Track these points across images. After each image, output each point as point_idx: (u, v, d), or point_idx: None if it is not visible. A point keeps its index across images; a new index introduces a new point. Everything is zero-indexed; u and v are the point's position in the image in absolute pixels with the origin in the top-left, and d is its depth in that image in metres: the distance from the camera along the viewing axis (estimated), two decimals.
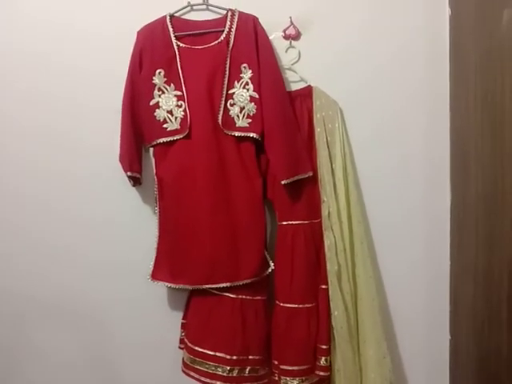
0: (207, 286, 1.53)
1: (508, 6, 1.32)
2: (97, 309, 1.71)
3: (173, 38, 1.55)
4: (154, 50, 1.55)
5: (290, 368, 1.52)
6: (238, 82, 1.55)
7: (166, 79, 1.55)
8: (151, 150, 1.60)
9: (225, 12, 1.58)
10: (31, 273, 1.71)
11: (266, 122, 1.53)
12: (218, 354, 1.52)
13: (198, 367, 1.54)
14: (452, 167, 1.65)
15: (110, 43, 1.63)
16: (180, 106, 1.54)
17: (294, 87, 1.63)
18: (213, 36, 1.56)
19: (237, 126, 1.54)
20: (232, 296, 1.54)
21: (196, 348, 1.54)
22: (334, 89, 1.61)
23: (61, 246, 1.70)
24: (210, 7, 1.61)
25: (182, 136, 1.53)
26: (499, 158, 1.38)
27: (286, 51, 1.63)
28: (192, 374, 1.55)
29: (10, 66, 1.67)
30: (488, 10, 1.41)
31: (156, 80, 1.55)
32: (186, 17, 1.62)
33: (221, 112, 1.52)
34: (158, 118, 1.55)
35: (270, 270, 1.56)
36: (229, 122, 1.53)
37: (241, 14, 1.56)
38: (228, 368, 1.51)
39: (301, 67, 1.63)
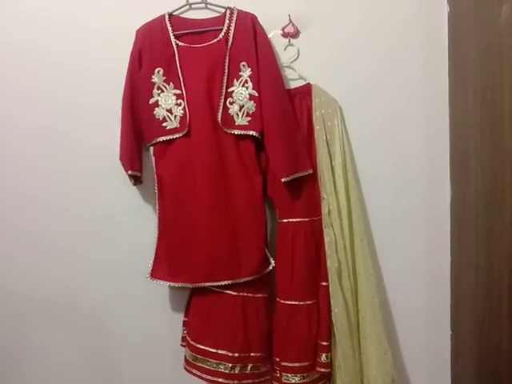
0: (208, 283, 1.53)
1: (506, 3, 1.32)
2: (97, 308, 1.72)
3: (172, 37, 1.55)
4: (153, 49, 1.55)
5: (291, 365, 1.52)
6: (237, 80, 1.55)
7: (165, 78, 1.55)
8: (151, 148, 1.60)
9: (223, 10, 1.58)
10: (31, 272, 1.71)
11: (266, 119, 1.53)
12: (219, 351, 1.53)
13: (200, 364, 1.54)
14: (452, 164, 1.65)
15: (109, 43, 1.63)
16: (179, 105, 1.54)
17: (293, 85, 1.63)
18: (212, 34, 1.56)
19: (236, 124, 1.54)
20: (233, 293, 1.54)
21: (198, 345, 1.55)
22: (333, 86, 1.61)
23: (61, 246, 1.70)
24: (208, 6, 1.61)
25: (181, 134, 1.53)
26: (499, 155, 1.38)
27: (285, 49, 1.63)
28: (194, 371, 1.56)
29: (10, 66, 1.67)
30: (487, 7, 1.41)
31: (155, 79, 1.54)
32: (185, 15, 1.62)
33: (220, 110, 1.52)
34: (157, 117, 1.55)
35: (270, 268, 1.56)
36: (228, 120, 1.53)
37: (239, 12, 1.56)
38: (230, 365, 1.52)
39: (300, 65, 1.63)
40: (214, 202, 1.52)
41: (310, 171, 1.54)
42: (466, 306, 1.59)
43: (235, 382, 1.52)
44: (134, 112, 1.57)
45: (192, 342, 1.56)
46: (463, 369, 1.64)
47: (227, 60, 1.54)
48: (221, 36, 1.55)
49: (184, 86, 1.53)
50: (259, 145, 1.57)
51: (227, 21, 1.56)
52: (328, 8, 1.63)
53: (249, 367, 1.54)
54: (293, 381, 1.52)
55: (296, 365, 1.52)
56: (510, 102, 1.32)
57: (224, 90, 1.53)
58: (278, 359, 1.56)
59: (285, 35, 1.63)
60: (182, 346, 1.65)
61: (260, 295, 1.57)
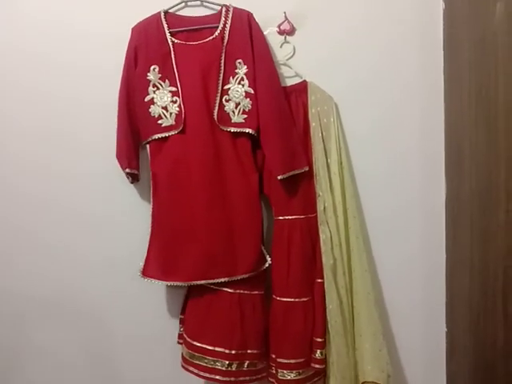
0: (204, 281, 1.52)
1: (501, 0, 1.31)
2: (96, 306, 1.72)
3: (167, 34, 1.55)
4: (149, 47, 1.55)
5: (286, 361, 1.53)
6: (233, 77, 1.55)
7: (160, 75, 1.54)
8: (147, 146, 1.60)
9: (219, 8, 1.58)
10: (30, 271, 1.71)
11: (262, 117, 1.53)
12: (216, 348, 1.53)
13: (198, 362, 1.55)
14: (447, 162, 1.65)
15: (108, 41, 1.62)
16: (175, 102, 1.54)
17: (289, 82, 1.63)
18: (207, 32, 1.56)
19: (232, 121, 1.54)
20: (230, 291, 1.55)
21: (195, 343, 1.55)
22: (329, 84, 1.61)
23: (60, 245, 1.71)
24: (204, 3, 1.61)
25: (176, 131, 1.52)
26: (493, 152, 1.38)
27: (281, 46, 1.63)
28: (191, 368, 1.56)
29: (9, 66, 1.67)
30: (481, 4, 1.40)
31: (151, 76, 1.54)
32: (181, 13, 1.62)
33: (216, 108, 1.52)
34: (152, 115, 1.55)
35: (267, 265, 1.56)
36: (224, 117, 1.53)
37: (235, 9, 1.56)
38: (227, 362, 1.52)
39: (296, 62, 1.63)
40: (209, 199, 1.52)
41: (306, 168, 1.54)
42: (461, 304, 1.59)
43: (232, 379, 1.53)
44: (130, 110, 1.57)
45: (189, 340, 1.57)
46: (458, 366, 1.64)
47: (223, 57, 1.54)
48: (217, 33, 1.55)
49: (180, 83, 1.53)
50: (255, 142, 1.57)
51: (223, 18, 1.56)
52: (323, 5, 1.63)
53: (246, 364, 1.54)
54: (288, 377, 1.52)
55: (292, 361, 1.52)
56: (505, 100, 1.32)
57: (220, 88, 1.53)
58: (274, 356, 1.56)
59: (281, 32, 1.63)
60: (179, 343, 1.65)
61: (256, 292, 1.57)
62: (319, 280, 1.54)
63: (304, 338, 1.54)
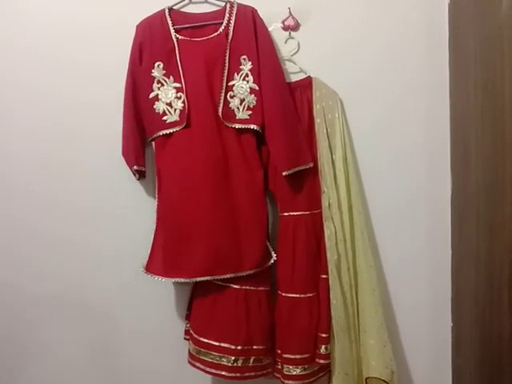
0: (210, 277, 1.52)
1: None
2: (102, 302, 1.72)
3: (172, 31, 1.55)
4: (153, 43, 1.55)
5: (292, 356, 1.53)
6: (237, 73, 1.55)
7: (164, 72, 1.54)
8: (152, 143, 1.60)
9: (223, 4, 1.58)
10: (35, 268, 1.71)
11: (266, 113, 1.53)
12: (222, 344, 1.53)
13: (204, 358, 1.55)
14: (452, 157, 1.65)
15: (111, 39, 1.63)
16: (179, 98, 1.53)
17: (294, 78, 1.63)
18: (212, 28, 1.56)
19: (237, 118, 1.54)
20: (236, 287, 1.54)
21: (201, 339, 1.55)
22: (334, 79, 1.61)
23: (65, 241, 1.71)
24: (208, 0, 1.61)
25: (181, 127, 1.52)
26: (500, 146, 1.38)
27: (286, 42, 1.63)
28: (198, 364, 1.56)
29: (11, 64, 1.67)
30: None
31: (155, 73, 1.54)
32: (185, 10, 1.62)
33: (221, 104, 1.52)
34: (157, 111, 1.55)
35: (272, 261, 1.56)
36: (229, 114, 1.53)
37: (239, 5, 1.56)
38: (233, 358, 1.52)
39: (300, 58, 1.63)
40: (215, 195, 1.52)
41: (311, 165, 1.54)
42: (467, 298, 1.59)
43: (238, 374, 1.53)
44: (136, 107, 1.57)
45: (195, 336, 1.57)
46: (464, 361, 1.64)
47: (228, 54, 1.54)
48: (221, 30, 1.55)
49: (184, 79, 1.53)
50: (260, 138, 1.57)
51: (227, 14, 1.56)
52: (328, 1, 1.63)
53: (251, 360, 1.54)
54: (294, 372, 1.53)
55: (297, 357, 1.53)
56: (511, 94, 1.32)
57: (225, 84, 1.53)
58: (279, 351, 1.57)
59: (285, 28, 1.63)
60: (186, 339, 1.65)
61: (262, 288, 1.57)
62: (324, 276, 1.55)
63: (309, 334, 1.54)
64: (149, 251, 1.57)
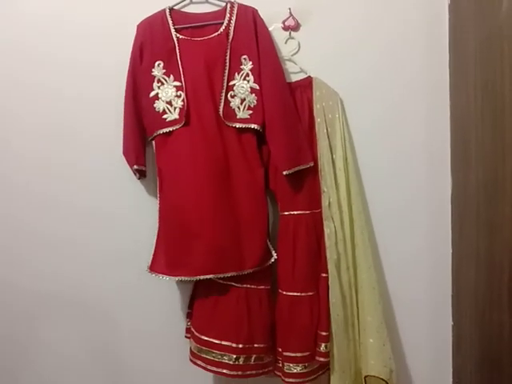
0: (212, 275, 1.52)
1: None
2: (103, 301, 1.73)
3: (172, 31, 1.55)
4: (154, 43, 1.55)
5: (293, 355, 1.53)
6: (238, 73, 1.55)
7: (165, 71, 1.55)
8: (153, 142, 1.60)
9: (224, 4, 1.58)
10: (37, 268, 1.72)
11: (267, 112, 1.53)
12: (223, 342, 1.54)
13: (205, 356, 1.55)
14: (452, 156, 1.65)
15: (111, 38, 1.63)
16: (179, 97, 1.54)
17: (294, 78, 1.63)
18: (212, 28, 1.57)
19: (238, 117, 1.54)
20: (237, 285, 1.55)
21: (202, 337, 1.56)
22: (334, 79, 1.61)
23: (66, 241, 1.71)
24: (209, 0, 1.61)
25: (180, 125, 1.52)
26: (500, 146, 1.38)
27: (286, 42, 1.64)
28: (199, 362, 1.57)
29: (11, 63, 1.67)
30: (487, 0, 1.41)
31: (155, 72, 1.55)
32: (186, 9, 1.62)
33: (221, 104, 1.53)
34: (157, 110, 1.55)
35: (272, 260, 1.57)
36: (230, 113, 1.54)
37: (240, 5, 1.56)
38: (234, 356, 1.53)
39: (300, 58, 1.63)
40: (216, 194, 1.52)
41: (312, 164, 1.55)
42: (467, 297, 1.60)
43: (239, 372, 1.53)
44: (137, 106, 1.57)
45: (197, 334, 1.58)
46: (464, 359, 1.65)
47: (228, 53, 1.54)
48: (222, 30, 1.55)
49: (184, 78, 1.53)
50: (261, 138, 1.57)
51: (228, 14, 1.56)
52: (328, 1, 1.63)
53: (253, 358, 1.55)
54: (295, 370, 1.53)
55: (298, 355, 1.53)
56: (511, 94, 1.32)
57: (225, 84, 1.54)
58: (280, 349, 1.57)
59: (285, 28, 1.63)
60: (187, 337, 1.66)
61: (263, 287, 1.57)
62: (324, 274, 1.55)
63: (310, 332, 1.55)
64: (152, 250, 1.58)
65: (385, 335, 1.56)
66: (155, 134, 1.56)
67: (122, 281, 1.71)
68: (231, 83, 1.55)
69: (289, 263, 1.55)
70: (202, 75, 1.53)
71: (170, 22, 1.56)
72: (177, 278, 1.56)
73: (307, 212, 1.56)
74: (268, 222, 1.59)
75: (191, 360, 1.60)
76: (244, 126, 1.54)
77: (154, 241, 1.58)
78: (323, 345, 1.54)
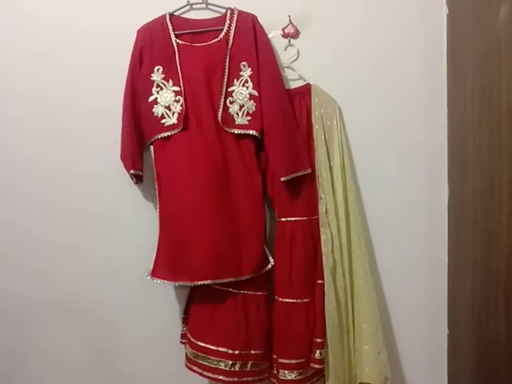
0: (210, 281, 1.51)
1: (504, 3, 1.32)
2: (100, 307, 1.73)
3: (172, 36, 1.56)
4: (154, 48, 1.56)
5: (287, 361, 1.53)
6: (237, 79, 1.56)
7: (164, 75, 1.55)
8: (151, 147, 1.60)
9: (224, 11, 1.59)
10: (35, 273, 1.72)
11: (265, 119, 1.54)
12: (220, 348, 1.53)
13: (201, 362, 1.55)
14: (450, 163, 1.66)
15: (110, 43, 1.64)
16: (178, 101, 1.54)
17: (293, 85, 1.64)
18: (212, 34, 1.58)
19: (236, 123, 1.55)
20: (234, 291, 1.55)
21: (198, 343, 1.56)
22: (333, 87, 1.62)
23: (64, 246, 1.71)
24: (209, 6, 1.62)
25: (179, 130, 1.53)
26: (497, 154, 1.39)
27: (285, 49, 1.65)
28: (195, 368, 1.56)
29: (10, 67, 1.67)
30: (485, 7, 1.42)
31: (154, 77, 1.55)
32: (186, 16, 1.63)
33: (220, 109, 1.53)
34: (155, 114, 1.55)
35: (269, 266, 1.57)
36: (228, 119, 1.54)
37: (240, 12, 1.57)
38: (230, 362, 1.52)
39: (299, 65, 1.64)
40: (214, 200, 1.52)
41: (309, 170, 1.55)
42: (464, 305, 1.60)
43: (235, 379, 1.53)
44: (135, 111, 1.58)
45: (193, 340, 1.57)
46: (459, 367, 1.65)
47: (228, 60, 1.55)
48: (221, 36, 1.56)
49: (183, 83, 1.54)
50: (259, 144, 1.57)
51: (228, 21, 1.57)
52: (328, 9, 1.64)
53: (249, 365, 1.54)
54: (289, 377, 1.53)
55: (293, 361, 1.53)
56: (508, 102, 1.33)
57: (224, 90, 1.54)
58: (275, 356, 1.57)
59: (285, 36, 1.64)
60: (182, 343, 1.66)
61: (260, 293, 1.57)
62: (320, 281, 1.55)
63: (305, 339, 1.55)
64: (154, 256, 1.57)
65: (380, 342, 1.56)
66: (153, 139, 1.57)
67: (121, 287, 1.71)
68: (230, 89, 1.55)
69: (285, 269, 1.55)
70: (201, 81, 1.54)
71: (170, 27, 1.57)
72: (178, 283, 1.56)
73: (304, 218, 1.56)
74: (265, 228, 1.59)
75: (187, 366, 1.60)
76: (242, 132, 1.55)
77: (156, 246, 1.58)
78: (318, 351, 1.53)
